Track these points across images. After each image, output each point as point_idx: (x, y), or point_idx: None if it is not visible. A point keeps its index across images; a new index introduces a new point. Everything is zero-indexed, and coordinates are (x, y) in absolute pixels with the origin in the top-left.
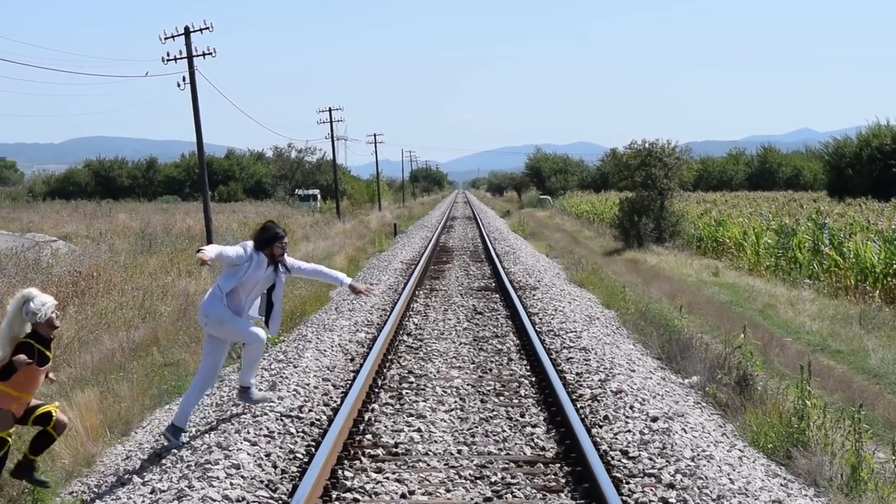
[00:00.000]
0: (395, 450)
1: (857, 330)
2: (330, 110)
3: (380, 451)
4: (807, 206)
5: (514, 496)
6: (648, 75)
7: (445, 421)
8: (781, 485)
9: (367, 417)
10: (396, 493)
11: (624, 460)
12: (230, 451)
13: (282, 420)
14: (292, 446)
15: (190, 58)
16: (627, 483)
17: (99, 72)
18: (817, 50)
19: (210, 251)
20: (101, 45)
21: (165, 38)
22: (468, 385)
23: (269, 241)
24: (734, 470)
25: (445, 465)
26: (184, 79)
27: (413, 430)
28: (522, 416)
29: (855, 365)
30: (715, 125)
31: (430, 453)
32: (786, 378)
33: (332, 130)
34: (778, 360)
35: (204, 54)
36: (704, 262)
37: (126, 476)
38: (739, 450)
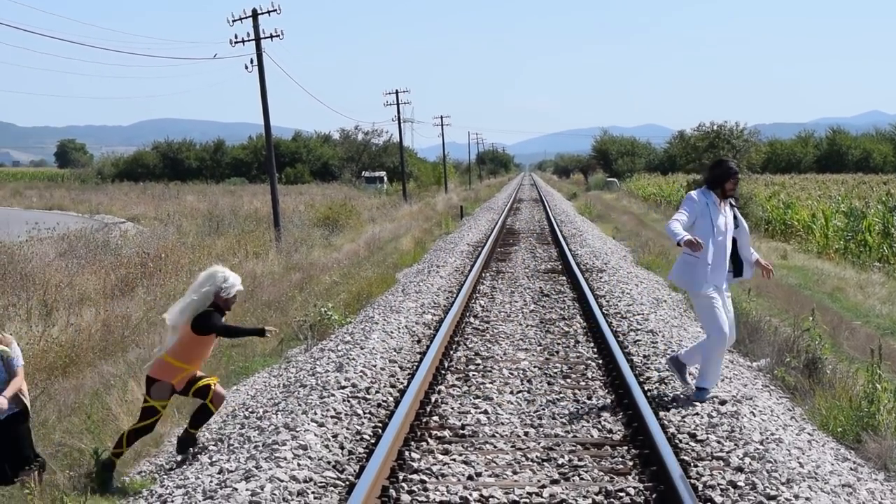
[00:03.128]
0: (461, 431)
1: None
2: (397, 92)
3: (446, 433)
4: (877, 188)
5: (582, 478)
6: (716, 58)
7: (512, 403)
8: (851, 469)
9: (433, 399)
10: (463, 475)
11: (692, 443)
12: (297, 431)
13: (349, 401)
14: (359, 427)
15: (258, 40)
16: (696, 466)
17: (168, 54)
18: (888, 31)
19: (678, 231)
20: (170, 27)
21: (233, 21)
22: (535, 367)
23: (721, 177)
24: (803, 454)
25: (512, 447)
26: (251, 61)
27: (480, 412)
28: (589, 398)
29: None
30: (783, 108)
31: (496, 435)
32: (855, 362)
33: (398, 113)
34: (847, 343)
35: (272, 36)
36: (773, 244)
37: (194, 456)
38: (808, 433)
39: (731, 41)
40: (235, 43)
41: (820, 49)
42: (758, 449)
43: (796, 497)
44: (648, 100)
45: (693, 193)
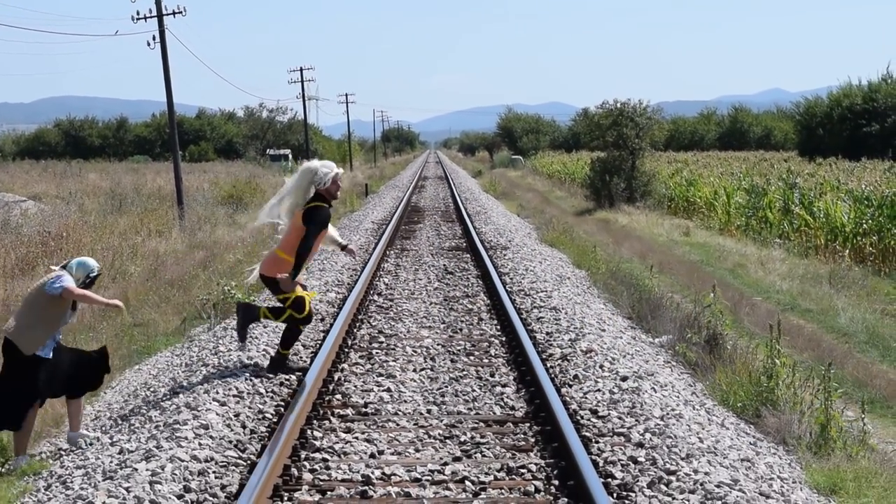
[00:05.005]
0: (364, 410)
1: (827, 289)
2: (301, 70)
3: (349, 411)
4: (777, 165)
5: (484, 455)
6: (620, 35)
7: (415, 381)
8: (751, 443)
9: (336, 377)
10: (366, 453)
11: (593, 419)
12: (199, 411)
13: (251, 380)
14: (261, 406)
15: (160, 16)
16: (597, 442)
17: (70, 31)
18: (788, 9)
19: None
20: (71, 3)
21: None
22: (438, 345)
23: None
24: (703, 429)
25: (415, 424)
26: (154, 38)
27: (383, 390)
28: (492, 375)
29: (824, 324)
30: (686, 85)
31: (399, 413)
32: (755, 337)
33: (303, 90)
34: (748, 319)
35: (174, 13)
36: (675, 221)
37: (95, 436)
38: (709, 409)
39: (634, 19)
40: (137, 19)
41: (722, 27)
42: (658, 424)
43: (696, 472)
44: (553, 78)
45: None
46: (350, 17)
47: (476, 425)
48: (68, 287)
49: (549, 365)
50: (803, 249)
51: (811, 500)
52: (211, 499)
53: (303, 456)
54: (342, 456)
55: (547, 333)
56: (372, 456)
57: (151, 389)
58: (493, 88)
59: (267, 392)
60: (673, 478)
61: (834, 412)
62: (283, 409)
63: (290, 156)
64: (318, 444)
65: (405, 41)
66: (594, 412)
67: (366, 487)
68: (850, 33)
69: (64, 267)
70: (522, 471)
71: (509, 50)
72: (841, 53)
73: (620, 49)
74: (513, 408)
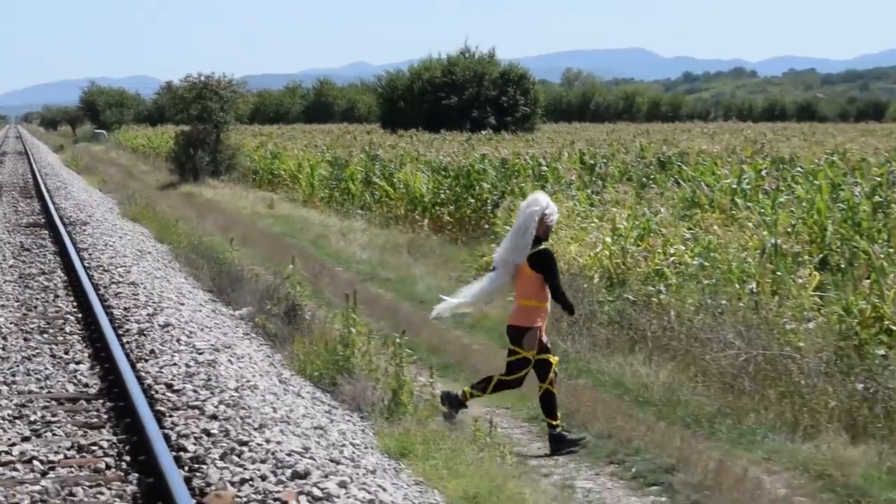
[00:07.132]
0: None
1: (406, 258)
2: None
3: None
4: (360, 138)
5: (54, 434)
6: (204, 7)
7: None
8: (325, 411)
9: None
10: None
11: (168, 393)
12: None
13: None
14: None
15: None
16: (171, 416)
17: None
18: None
19: None
20: None
21: None
22: (11, 323)
23: None
24: (278, 399)
25: None
26: None
27: None
28: (66, 353)
29: (403, 292)
30: (273, 59)
31: None
32: (335, 307)
33: None
34: (328, 289)
35: None
36: (260, 194)
37: None
38: (285, 379)
39: None
40: None
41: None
42: (233, 396)
43: (268, 441)
44: (139, 51)
45: None
46: None
47: (48, 404)
48: None
49: (125, 340)
50: (385, 220)
51: (381, 464)
52: None
53: None
54: None
55: (125, 309)
56: None
57: None
58: (77, 61)
59: None
60: (245, 448)
61: (406, 378)
62: None
63: None
64: None
65: None
66: (169, 386)
67: None
68: (432, 8)
69: None
70: (94, 448)
71: (93, 20)
72: (423, 28)
73: (206, 22)
74: (87, 385)
